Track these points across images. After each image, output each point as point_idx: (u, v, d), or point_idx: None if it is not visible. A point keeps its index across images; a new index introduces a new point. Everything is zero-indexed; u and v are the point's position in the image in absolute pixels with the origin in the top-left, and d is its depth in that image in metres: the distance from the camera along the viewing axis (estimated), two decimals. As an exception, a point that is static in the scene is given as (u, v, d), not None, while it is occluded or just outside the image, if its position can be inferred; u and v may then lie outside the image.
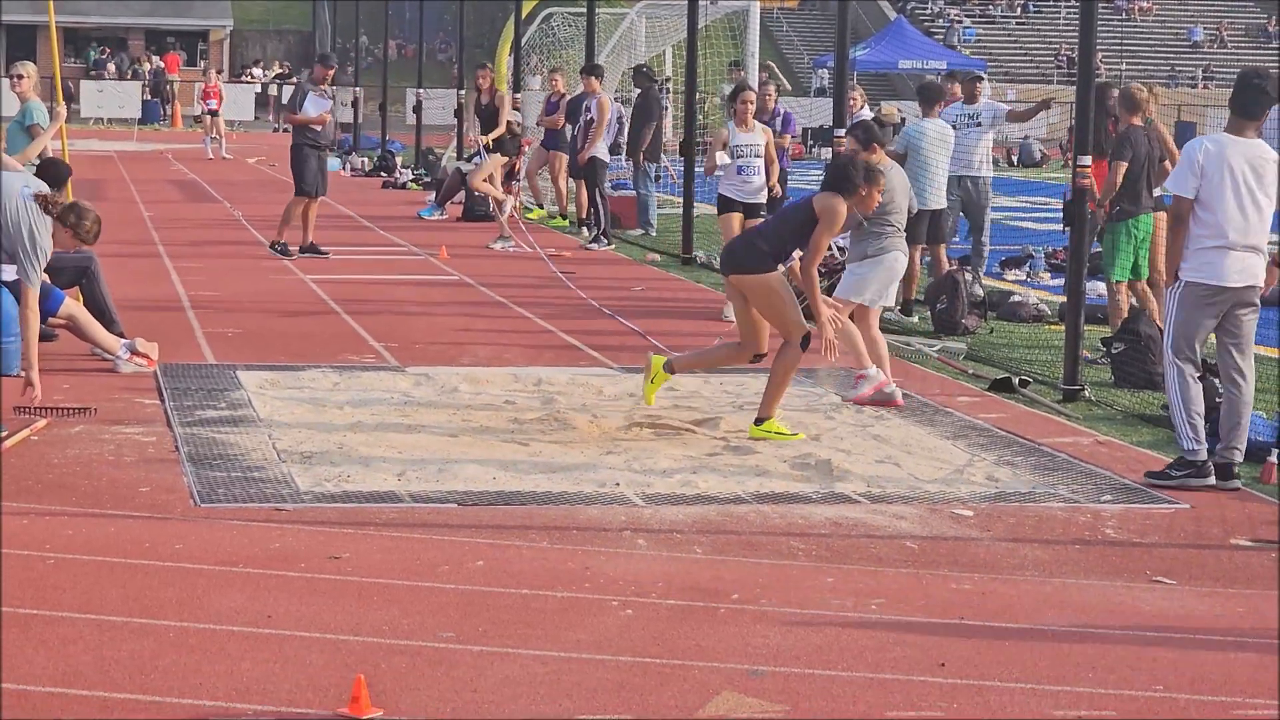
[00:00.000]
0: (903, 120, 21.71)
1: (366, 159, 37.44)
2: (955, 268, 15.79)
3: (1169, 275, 9.77)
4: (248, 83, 65.22)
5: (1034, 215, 27.93)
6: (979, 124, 17.13)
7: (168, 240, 21.53)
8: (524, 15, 32.04)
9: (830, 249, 14.48)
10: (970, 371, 13.18)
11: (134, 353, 12.22)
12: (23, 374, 10.36)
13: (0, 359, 11.15)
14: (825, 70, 57.35)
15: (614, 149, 24.02)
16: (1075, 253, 12.46)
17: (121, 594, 7.07)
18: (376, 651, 6.43)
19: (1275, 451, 9.81)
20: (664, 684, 6.18)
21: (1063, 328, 12.89)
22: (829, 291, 12.22)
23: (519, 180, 26.33)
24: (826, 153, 20.08)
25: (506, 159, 22.86)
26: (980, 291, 15.51)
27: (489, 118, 22.35)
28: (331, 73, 21.05)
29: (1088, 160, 12.38)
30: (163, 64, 66.67)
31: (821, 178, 11.05)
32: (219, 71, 46.03)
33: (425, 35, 42.73)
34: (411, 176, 33.22)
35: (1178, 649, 6.79)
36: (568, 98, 25.06)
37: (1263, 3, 74.92)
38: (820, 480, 9.48)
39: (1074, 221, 12.44)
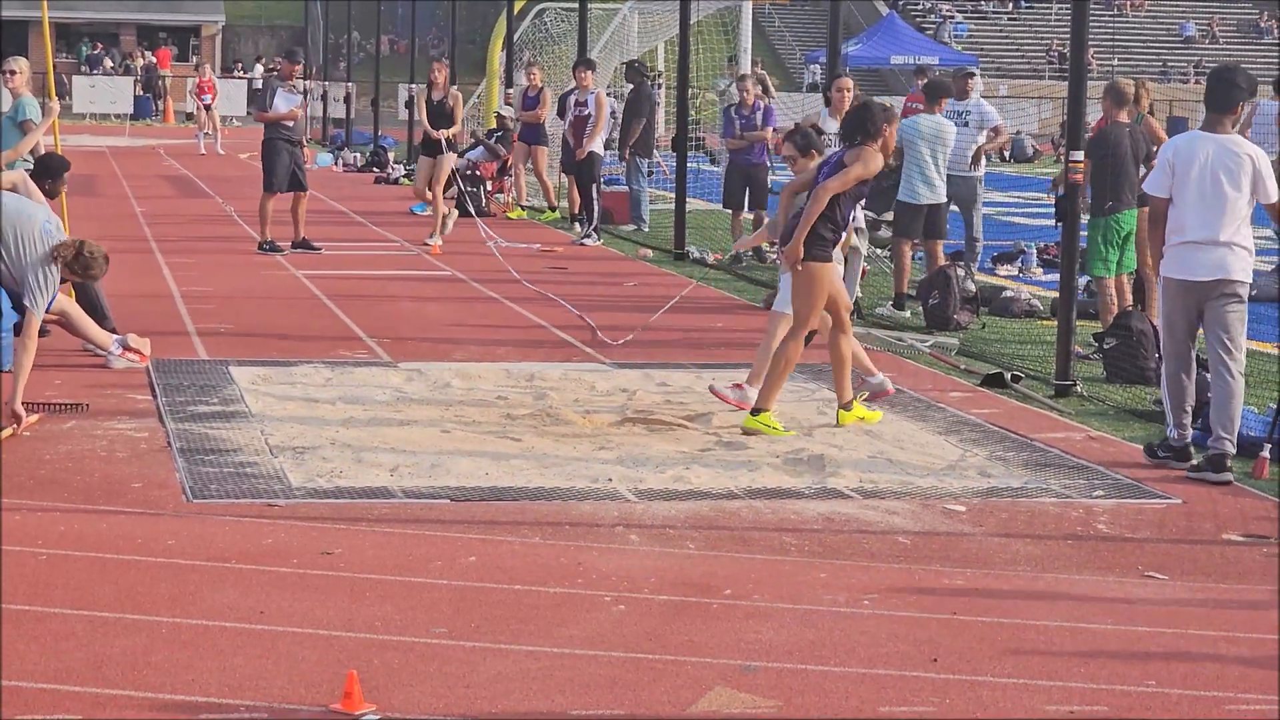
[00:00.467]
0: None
1: (359, 154, 37.43)
2: (948, 263, 15.79)
3: (1154, 272, 10.19)
4: (239, 78, 65.19)
5: (1026, 210, 27.95)
6: (966, 123, 17.12)
7: (160, 236, 21.51)
8: (516, 11, 32.04)
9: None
10: (962, 367, 13.18)
11: (126, 348, 12.21)
12: (7, 405, 9.99)
13: None
14: (817, 66, 57.36)
15: (606, 144, 24.00)
16: (1067, 248, 12.47)
17: (114, 590, 7.06)
18: (369, 647, 6.43)
19: (1267, 447, 9.85)
20: (656, 679, 6.19)
21: (1055, 323, 12.90)
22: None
23: (510, 176, 26.35)
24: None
25: (459, 158, 22.59)
26: (973, 287, 15.51)
27: (439, 114, 21.92)
28: (298, 68, 21.10)
29: (1079, 155, 12.39)
30: (155, 59, 66.61)
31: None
32: (211, 66, 46.04)
33: (417, 31, 42.74)
34: (404, 172, 33.20)
35: (1169, 644, 6.80)
36: (544, 90, 25.09)
37: (1255, -2, 75.03)
38: (813, 475, 9.49)
39: (1066, 217, 12.47)
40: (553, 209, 25.50)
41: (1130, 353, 12.61)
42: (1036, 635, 6.85)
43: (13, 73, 14.73)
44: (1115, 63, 60.89)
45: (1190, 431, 9.98)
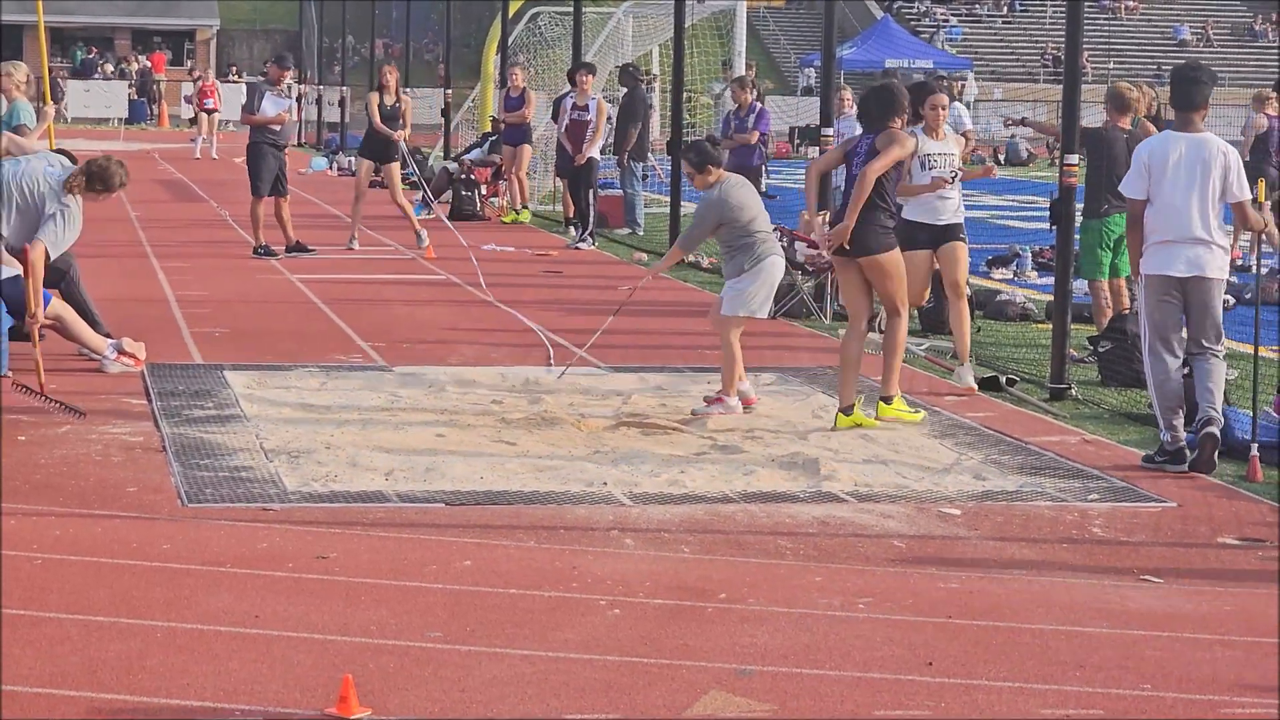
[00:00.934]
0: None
1: (353, 159, 37.36)
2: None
3: (1134, 271, 10.37)
4: (234, 82, 65.16)
5: (1021, 214, 27.96)
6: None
7: (155, 240, 21.51)
8: (510, 14, 32.03)
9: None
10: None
11: (121, 352, 12.20)
12: (30, 320, 11.06)
13: None
14: (812, 69, 57.41)
15: (601, 149, 23.99)
16: (1062, 251, 12.47)
17: (109, 594, 7.06)
18: (364, 651, 6.43)
19: (1255, 446, 9.83)
20: (652, 683, 6.19)
21: (1050, 326, 12.90)
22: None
23: (505, 181, 26.34)
24: (813, 151, 20.06)
25: (401, 165, 22.46)
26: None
27: (391, 119, 21.72)
28: (288, 74, 21.11)
29: (1074, 159, 12.40)
30: (149, 63, 66.56)
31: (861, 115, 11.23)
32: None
33: (412, 34, 42.74)
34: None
35: (1165, 647, 6.80)
36: (526, 90, 25.12)
37: (1249, 1, 75.04)
38: (808, 479, 9.49)
39: (1061, 220, 12.48)
40: (518, 212, 25.40)
41: (1125, 356, 12.61)
42: (1031, 639, 6.86)
43: (9, 75, 14.72)
44: (1110, 66, 60.96)
45: (1184, 434, 9.97)
